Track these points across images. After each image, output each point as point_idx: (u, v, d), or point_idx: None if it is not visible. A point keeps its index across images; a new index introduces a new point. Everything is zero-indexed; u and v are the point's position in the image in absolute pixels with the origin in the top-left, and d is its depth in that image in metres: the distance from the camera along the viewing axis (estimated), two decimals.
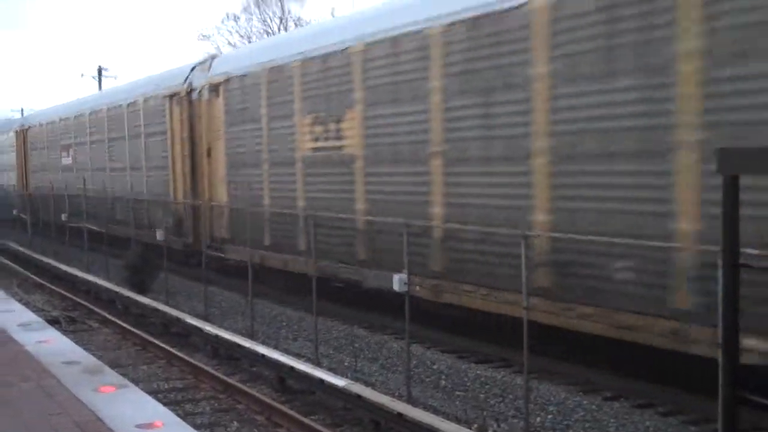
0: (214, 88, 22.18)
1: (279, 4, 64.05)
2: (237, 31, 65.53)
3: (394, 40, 15.22)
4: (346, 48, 16.58)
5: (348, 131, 16.69)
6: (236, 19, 69.39)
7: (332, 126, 17.17)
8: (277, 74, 19.20)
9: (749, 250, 8.62)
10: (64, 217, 30.43)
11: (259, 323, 17.44)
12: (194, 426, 9.69)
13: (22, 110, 76.74)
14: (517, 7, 12.57)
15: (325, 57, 17.31)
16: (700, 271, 10.06)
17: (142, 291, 21.61)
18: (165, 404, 10.20)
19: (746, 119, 9.66)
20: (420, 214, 14.45)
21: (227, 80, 21.50)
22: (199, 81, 23.23)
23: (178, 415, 9.73)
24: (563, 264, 11.97)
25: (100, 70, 68.48)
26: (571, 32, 11.78)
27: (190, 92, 23.66)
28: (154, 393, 12.06)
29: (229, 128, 21.52)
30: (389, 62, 15.45)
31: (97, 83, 67.27)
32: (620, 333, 11.12)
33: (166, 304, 19.65)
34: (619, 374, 12.25)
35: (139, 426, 7.94)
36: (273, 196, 19.34)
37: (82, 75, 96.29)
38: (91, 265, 26.15)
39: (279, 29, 61.49)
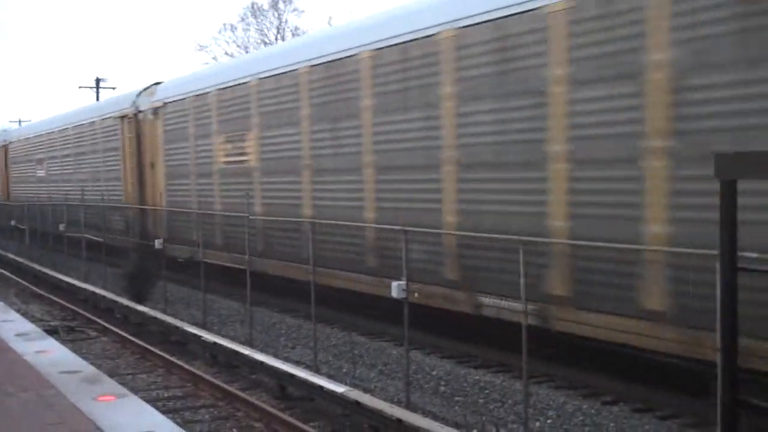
0: (155, 111, 26.33)
1: (276, 14, 64.20)
2: (234, 41, 65.65)
3: (277, 78, 19.48)
4: (247, 82, 20.89)
5: (249, 149, 20.83)
6: (233, 29, 69.35)
7: (238, 144, 21.31)
8: (201, 101, 23.27)
9: (747, 254, 8.71)
10: (62, 227, 30.69)
11: (258, 331, 17.45)
12: None
13: (19, 121, 76.84)
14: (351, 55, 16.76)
15: (234, 88, 21.51)
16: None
17: (140, 300, 21.61)
18: (164, 412, 10.20)
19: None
20: (296, 214, 18.44)
21: (165, 105, 25.62)
22: (145, 104, 27.28)
23: (178, 424, 9.74)
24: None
25: (98, 81, 68.48)
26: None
27: (137, 114, 27.79)
28: (153, 401, 12.05)
29: (166, 145, 25.57)
30: (275, 94, 19.59)
31: (95, 94, 67.31)
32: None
33: (165, 312, 19.65)
34: (618, 378, 12.26)
35: None
36: (199, 201, 22.51)
37: (80, 87, 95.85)
38: (89, 274, 26.19)
39: (276, 39, 61.56)
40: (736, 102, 9.84)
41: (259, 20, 64.64)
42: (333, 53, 17.35)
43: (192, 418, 12.10)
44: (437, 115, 14.36)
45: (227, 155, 21.86)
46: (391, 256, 14.75)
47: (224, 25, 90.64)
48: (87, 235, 27.83)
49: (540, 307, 12.03)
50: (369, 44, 16.11)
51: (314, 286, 14.60)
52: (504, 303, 12.61)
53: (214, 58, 63.48)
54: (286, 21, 64.98)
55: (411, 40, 14.97)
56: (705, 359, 9.61)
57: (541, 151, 12.33)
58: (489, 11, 13.23)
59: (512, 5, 12.79)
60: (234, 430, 11.52)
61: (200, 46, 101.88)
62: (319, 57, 17.81)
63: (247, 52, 58.96)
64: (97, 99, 62.39)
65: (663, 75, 10.59)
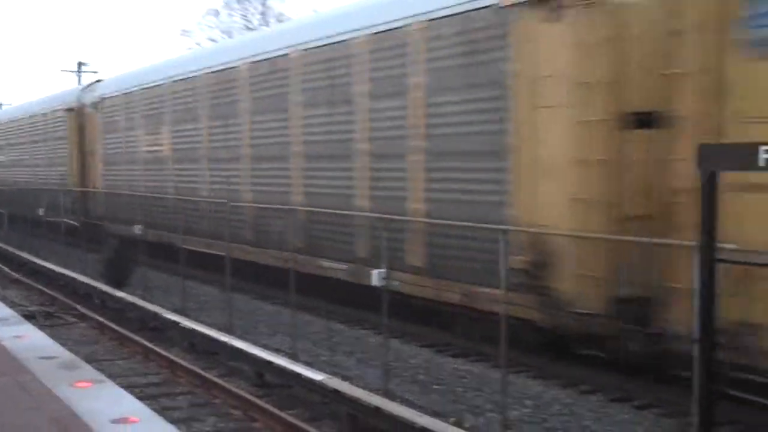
0: (95, 105, 30.01)
1: None
2: (218, 27, 65.24)
3: (186, 80, 23.52)
4: (161, 84, 25.05)
5: (164, 141, 24.82)
6: (217, 14, 68.96)
7: (159, 136, 25.05)
8: (129, 98, 27.24)
9: (726, 245, 8.78)
10: (41, 211, 30.58)
11: (237, 318, 17.40)
12: (171, 420, 9.64)
13: (0, 105, 76.19)
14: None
15: (150, 89, 25.66)
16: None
17: (119, 285, 21.52)
18: (142, 399, 10.14)
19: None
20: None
21: (102, 100, 29.51)
22: (87, 99, 31.04)
23: (155, 410, 9.68)
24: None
25: (80, 65, 68.10)
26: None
27: (81, 107, 31.48)
28: (130, 388, 12.00)
29: (103, 135, 29.45)
30: (181, 96, 23.72)
31: (77, 78, 66.91)
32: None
33: (143, 298, 19.59)
34: (595, 368, 12.31)
35: (115, 421, 7.91)
36: (129, 185, 26.83)
37: (62, 71, 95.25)
38: (67, 259, 26.08)
39: (260, 25, 61.20)
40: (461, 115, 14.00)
41: (243, 5, 64.33)
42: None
43: (169, 404, 12.07)
44: (286, 117, 18.98)
45: (151, 145, 25.94)
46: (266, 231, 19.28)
47: (208, 10, 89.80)
48: (66, 220, 27.96)
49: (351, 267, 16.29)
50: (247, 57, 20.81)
51: (293, 278, 14.58)
52: (329, 263, 17.07)
53: (198, 44, 63.13)
54: (270, 7, 64.72)
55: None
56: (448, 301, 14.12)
57: (352, 148, 16.64)
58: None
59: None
60: (211, 417, 11.50)
61: (184, 31, 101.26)
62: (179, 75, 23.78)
63: (230, 37, 58.62)
64: (79, 83, 62.01)
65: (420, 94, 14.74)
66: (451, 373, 13.03)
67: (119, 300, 19.62)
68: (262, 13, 63.15)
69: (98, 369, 11.62)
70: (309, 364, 13.42)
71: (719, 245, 7.31)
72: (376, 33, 16.08)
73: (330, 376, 12.06)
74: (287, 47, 18.94)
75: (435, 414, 10.94)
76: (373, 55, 16.08)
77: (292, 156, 18.76)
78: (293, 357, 13.88)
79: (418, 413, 10.32)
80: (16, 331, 12.44)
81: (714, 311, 7.30)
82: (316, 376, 11.94)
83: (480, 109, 13.58)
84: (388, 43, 15.66)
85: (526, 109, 12.52)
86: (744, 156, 6.98)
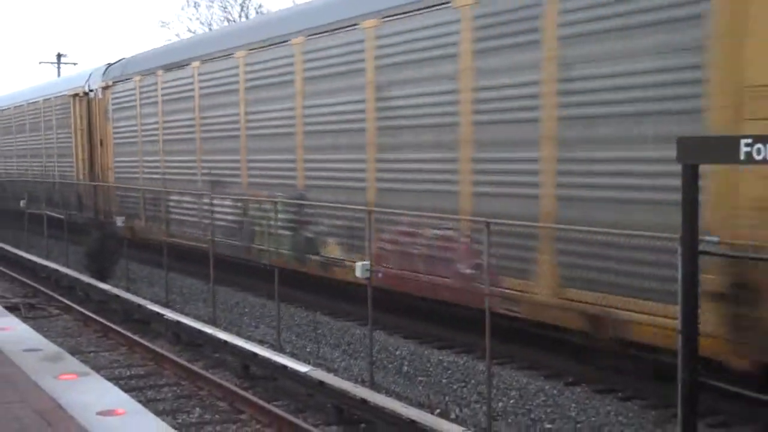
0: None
1: None
2: (197, 19, 64.91)
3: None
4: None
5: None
6: (196, 6, 68.70)
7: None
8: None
9: (708, 238, 8.74)
10: (22, 203, 30.39)
11: (221, 309, 17.41)
12: (156, 412, 9.67)
13: None
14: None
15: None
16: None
17: (102, 277, 21.47)
18: (127, 391, 10.14)
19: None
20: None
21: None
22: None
23: (140, 402, 9.70)
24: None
25: (59, 57, 67.65)
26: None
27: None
28: (115, 380, 12.02)
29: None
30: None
31: (56, 70, 66.50)
32: None
33: (127, 290, 19.55)
34: (580, 360, 12.36)
35: (100, 413, 7.89)
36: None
37: (40, 62, 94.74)
38: (50, 252, 26.00)
39: (240, 17, 60.94)
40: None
41: None
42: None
43: (155, 396, 12.08)
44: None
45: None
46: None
47: (187, 1, 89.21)
48: (48, 212, 27.69)
49: None
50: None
51: (277, 272, 14.58)
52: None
53: (177, 35, 62.80)
54: None
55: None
56: None
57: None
58: None
59: None
60: (197, 408, 11.51)
61: (163, 22, 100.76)
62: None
63: (210, 29, 58.36)
64: (59, 75, 61.68)
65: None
66: (436, 365, 13.06)
67: (103, 292, 19.56)
68: (241, 5, 62.82)
69: (83, 361, 11.62)
70: (294, 356, 13.45)
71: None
72: None
73: (315, 368, 12.08)
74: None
75: (421, 405, 10.99)
76: None
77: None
78: (278, 349, 13.90)
79: (404, 405, 10.36)
80: None
81: (697, 304, 7.32)
82: (302, 367, 11.96)
83: None
84: None
85: None
86: (724, 149, 7.01)
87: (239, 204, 18.51)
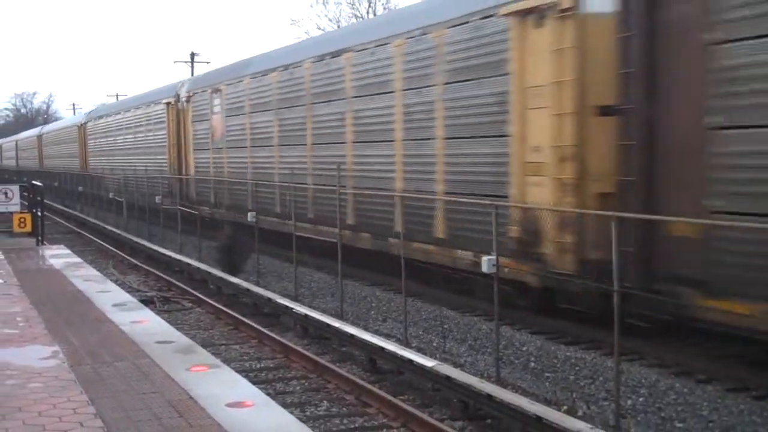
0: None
1: None
2: (326, 16, 65.56)
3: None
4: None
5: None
6: (325, 3, 69.36)
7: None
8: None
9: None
10: (157, 199, 31.40)
11: (349, 304, 17.56)
12: (284, 405, 9.80)
13: (117, 95, 78.23)
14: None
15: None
16: None
17: (233, 272, 21.92)
18: (256, 383, 10.34)
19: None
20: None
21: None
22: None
23: (269, 395, 9.87)
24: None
25: (192, 56, 69.46)
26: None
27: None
28: (245, 372, 12.24)
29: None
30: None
31: (189, 68, 68.23)
32: None
33: (257, 284, 19.90)
34: (712, 357, 12.03)
35: (229, 405, 8.06)
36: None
37: (175, 62, 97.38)
38: (183, 246, 26.69)
39: (368, 13, 61.34)
40: None
41: None
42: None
43: (283, 389, 12.26)
44: None
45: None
46: None
47: None
48: (182, 208, 28.61)
49: None
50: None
51: (404, 266, 14.62)
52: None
53: (306, 33, 63.64)
54: None
55: None
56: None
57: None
58: None
59: None
60: (324, 401, 11.62)
61: (292, 20, 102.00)
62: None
63: (339, 26, 58.96)
64: (192, 73, 63.24)
65: None
66: (563, 361, 12.89)
67: (234, 286, 19.97)
68: (370, 2, 63.19)
69: (214, 353, 11.89)
70: (420, 350, 13.46)
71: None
72: None
73: (441, 363, 12.07)
74: None
75: (547, 402, 10.86)
76: None
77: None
78: (404, 343, 13.93)
79: (530, 401, 10.24)
80: (134, 316, 12.75)
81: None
82: (428, 362, 11.95)
83: None
84: None
85: None
86: None
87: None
